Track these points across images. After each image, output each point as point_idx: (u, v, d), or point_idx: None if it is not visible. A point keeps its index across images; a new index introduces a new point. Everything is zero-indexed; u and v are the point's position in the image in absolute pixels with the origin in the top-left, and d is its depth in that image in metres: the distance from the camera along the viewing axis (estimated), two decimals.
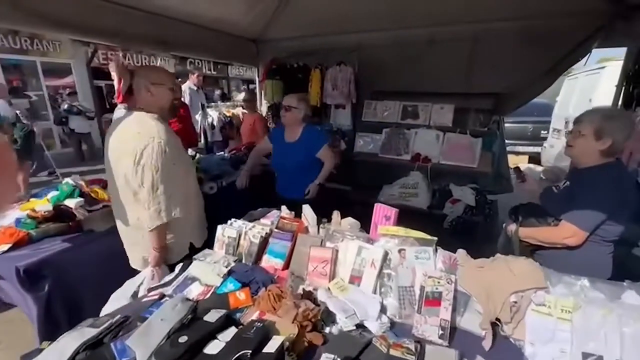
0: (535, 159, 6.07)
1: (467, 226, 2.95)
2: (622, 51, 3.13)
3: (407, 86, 3.69)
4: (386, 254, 1.24)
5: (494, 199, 3.20)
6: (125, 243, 1.67)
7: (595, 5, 2.64)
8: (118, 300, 1.34)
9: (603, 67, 4.01)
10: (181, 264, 1.33)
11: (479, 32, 3.16)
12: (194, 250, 1.59)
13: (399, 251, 1.24)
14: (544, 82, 3.15)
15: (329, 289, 1.24)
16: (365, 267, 1.24)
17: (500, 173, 3.32)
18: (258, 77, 4.53)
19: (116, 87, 2.90)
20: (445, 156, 3.26)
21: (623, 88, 3.06)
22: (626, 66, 3.03)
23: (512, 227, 1.49)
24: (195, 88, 4.57)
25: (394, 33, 3.52)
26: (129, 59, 8.52)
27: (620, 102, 3.15)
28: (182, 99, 4.50)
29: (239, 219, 1.67)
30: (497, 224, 3.27)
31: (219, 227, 1.56)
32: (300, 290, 1.22)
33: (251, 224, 1.58)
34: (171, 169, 1.40)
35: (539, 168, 5.93)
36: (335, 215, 1.49)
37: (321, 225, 1.50)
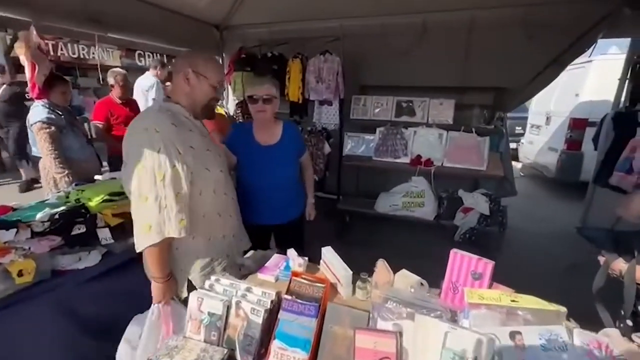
0: (511, 155, 6.03)
1: (481, 238, 2.59)
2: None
3: (399, 80, 3.33)
4: (492, 341, 0.74)
5: (504, 205, 2.88)
6: None
7: None
8: None
9: (590, 61, 3.92)
10: None
11: (475, 19, 2.88)
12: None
13: (511, 335, 0.75)
14: (547, 75, 2.94)
15: None
16: None
17: (505, 176, 3.01)
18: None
19: (28, 76, 2.07)
20: (449, 158, 2.86)
21: (627, 82, 2.90)
22: (631, 58, 2.87)
23: (621, 264, 1.07)
24: (160, 83, 3.82)
25: (381, 20, 3.18)
26: (61, 49, 7.18)
27: (623, 97, 3.00)
28: (140, 94, 3.77)
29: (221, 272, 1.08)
30: (507, 233, 2.98)
31: (192, 295, 0.96)
32: None
33: (244, 286, 0.99)
34: (167, 172, 1.05)
35: (518, 165, 5.89)
36: (382, 266, 0.96)
37: (359, 284, 0.96)
